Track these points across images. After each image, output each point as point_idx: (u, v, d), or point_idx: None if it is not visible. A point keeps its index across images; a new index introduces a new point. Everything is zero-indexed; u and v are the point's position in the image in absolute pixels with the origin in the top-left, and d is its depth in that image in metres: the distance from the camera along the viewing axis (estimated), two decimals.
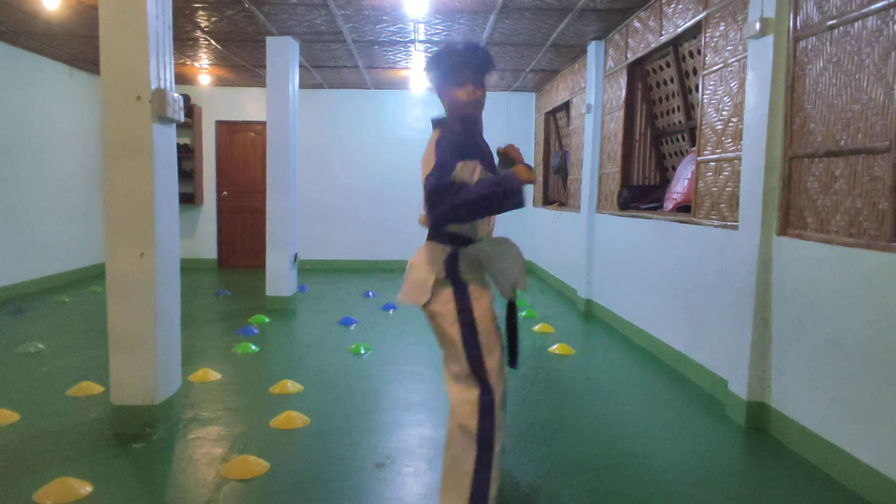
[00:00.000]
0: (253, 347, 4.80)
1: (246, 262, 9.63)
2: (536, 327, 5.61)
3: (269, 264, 6.41)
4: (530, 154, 9.79)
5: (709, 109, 4.07)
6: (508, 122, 9.68)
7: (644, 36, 5.19)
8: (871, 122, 2.62)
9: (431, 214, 2.04)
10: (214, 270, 9.36)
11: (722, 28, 3.91)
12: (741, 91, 3.64)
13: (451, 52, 2.24)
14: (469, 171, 2.07)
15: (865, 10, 2.65)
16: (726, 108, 3.85)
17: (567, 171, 8.13)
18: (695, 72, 4.81)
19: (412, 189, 9.12)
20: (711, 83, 4.05)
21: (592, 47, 6.29)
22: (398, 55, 7.15)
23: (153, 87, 3.03)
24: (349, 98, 9.52)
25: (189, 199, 9.25)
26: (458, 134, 2.16)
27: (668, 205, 4.86)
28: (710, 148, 4.05)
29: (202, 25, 5.90)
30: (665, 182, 5.71)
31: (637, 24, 5.34)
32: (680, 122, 5.26)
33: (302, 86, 8.79)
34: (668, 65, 5.18)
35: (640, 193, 5.62)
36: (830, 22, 2.86)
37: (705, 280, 4.03)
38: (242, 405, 3.61)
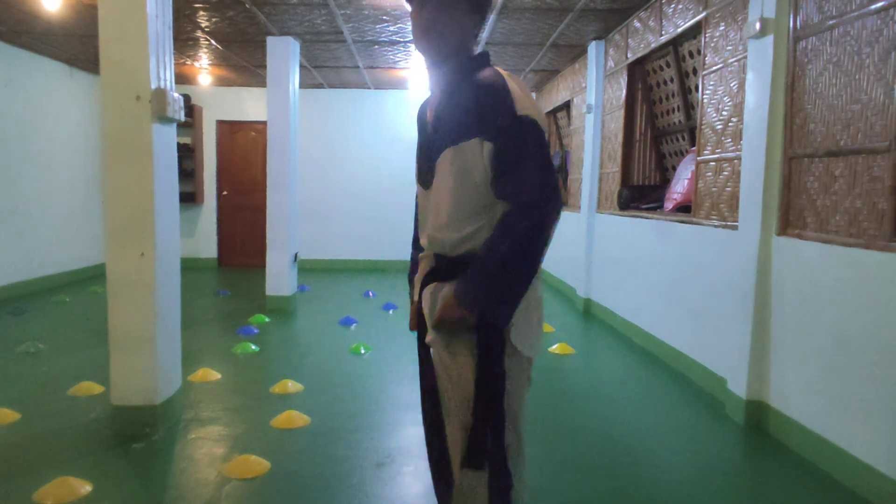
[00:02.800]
0: (253, 347, 4.80)
1: (246, 262, 9.63)
2: None
3: (269, 264, 6.41)
4: None
5: (709, 109, 4.07)
6: None
7: (644, 36, 5.19)
8: (870, 122, 2.63)
9: None
10: (214, 270, 9.36)
11: (722, 28, 3.91)
12: (741, 91, 3.64)
13: None
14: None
15: (865, 10, 2.65)
16: (726, 108, 3.85)
17: (567, 170, 8.13)
18: (695, 72, 4.81)
19: (411, 188, 9.12)
20: (711, 83, 4.05)
21: (593, 47, 6.29)
22: (398, 55, 7.15)
23: (153, 86, 3.03)
24: (349, 98, 9.53)
25: (190, 197, 9.25)
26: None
27: (668, 205, 4.86)
28: (709, 148, 4.05)
29: (202, 25, 5.90)
30: (665, 182, 5.71)
31: (637, 24, 5.34)
32: (680, 122, 5.27)
33: (302, 86, 8.78)
34: (668, 65, 5.18)
35: (640, 193, 5.62)
36: (830, 22, 2.86)
37: (705, 280, 4.03)
38: (243, 405, 3.62)
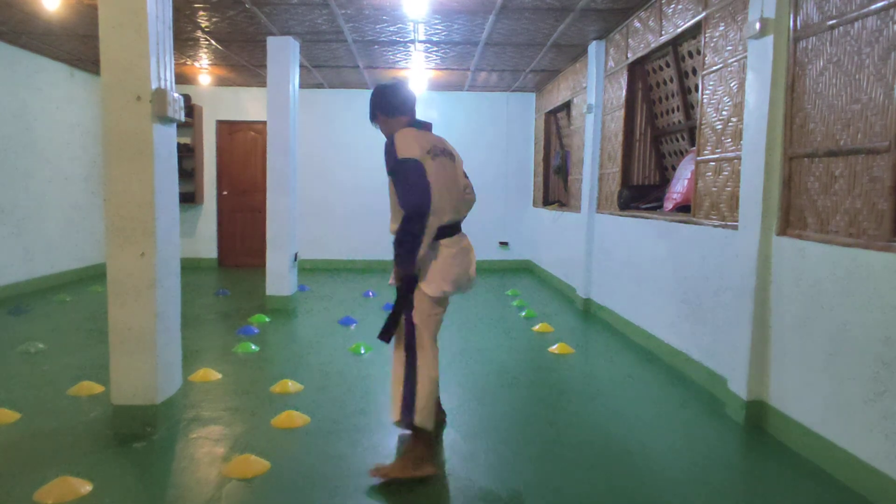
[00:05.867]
0: (253, 347, 4.80)
1: (246, 262, 9.64)
2: (536, 327, 5.61)
3: (270, 264, 6.41)
4: (530, 154, 9.80)
5: (708, 109, 4.08)
6: (508, 122, 9.70)
7: (644, 36, 5.19)
8: (870, 122, 2.63)
9: None
10: (214, 270, 9.36)
11: (722, 28, 3.91)
12: (741, 91, 3.65)
13: None
14: None
15: (865, 10, 2.65)
16: (726, 108, 3.85)
17: (568, 171, 8.13)
18: (694, 72, 4.81)
19: None
20: (711, 83, 4.05)
21: (593, 47, 6.29)
22: (398, 55, 7.15)
23: (153, 86, 3.03)
24: (349, 98, 9.53)
25: (190, 198, 9.26)
26: None
27: (668, 205, 4.87)
28: (709, 148, 4.05)
29: (203, 25, 5.90)
30: (665, 182, 5.71)
31: (637, 24, 5.34)
32: (680, 121, 5.27)
33: (302, 86, 8.79)
34: (667, 65, 5.18)
35: (640, 193, 5.62)
36: (830, 22, 2.87)
37: (705, 279, 4.03)
38: (243, 405, 3.62)
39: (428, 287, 2.78)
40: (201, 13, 5.50)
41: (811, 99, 3.01)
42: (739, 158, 3.61)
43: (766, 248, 3.28)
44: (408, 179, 2.68)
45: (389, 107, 3.01)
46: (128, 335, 3.10)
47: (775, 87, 3.22)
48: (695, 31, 4.45)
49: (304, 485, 2.65)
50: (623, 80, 5.73)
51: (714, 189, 3.98)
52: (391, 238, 2.77)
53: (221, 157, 9.63)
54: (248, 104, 9.47)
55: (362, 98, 9.46)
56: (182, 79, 8.75)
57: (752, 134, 3.38)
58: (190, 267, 8.85)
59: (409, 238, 2.64)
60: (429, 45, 6.69)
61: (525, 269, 9.79)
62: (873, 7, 2.61)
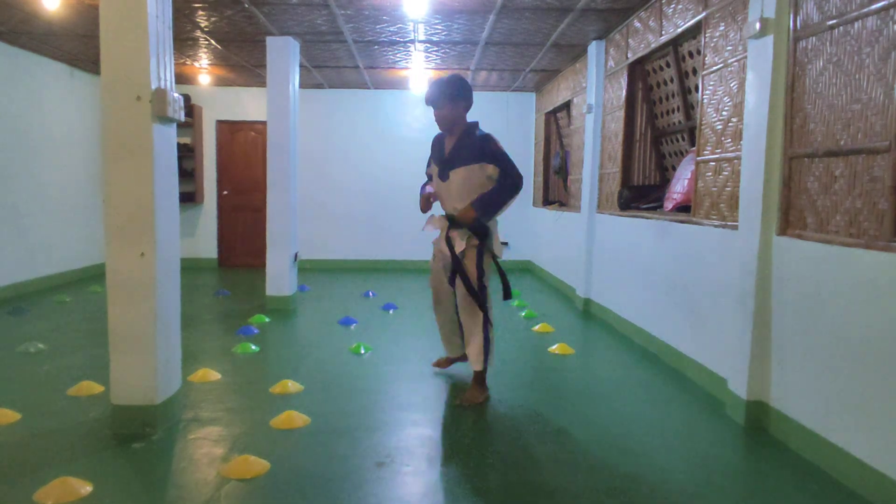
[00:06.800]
0: (253, 347, 4.80)
1: (246, 262, 9.64)
2: (536, 327, 5.61)
3: (270, 264, 6.41)
4: (530, 154, 9.80)
5: (708, 109, 4.07)
6: (508, 122, 9.69)
7: (644, 36, 5.19)
8: (870, 122, 2.63)
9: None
10: (214, 270, 9.36)
11: (722, 28, 3.91)
12: (741, 91, 3.64)
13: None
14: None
15: (865, 10, 2.65)
16: (726, 108, 3.85)
17: (568, 171, 8.13)
18: (694, 72, 4.81)
19: (411, 188, 9.13)
20: (711, 83, 4.05)
21: (593, 47, 6.29)
22: (398, 55, 7.15)
23: (153, 86, 3.03)
24: (349, 98, 9.53)
25: (190, 197, 9.26)
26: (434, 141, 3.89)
27: (668, 205, 4.86)
28: (709, 148, 4.05)
29: (202, 25, 5.90)
30: (665, 182, 5.71)
31: (637, 24, 5.34)
32: (680, 122, 5.27)
33: (302, 86, 8.79)
34: (667, 65, 5.18)
35: (640, 193, 5.62)
36: (830, 22, 2.86)
37: (705, 279, 4.03)
38: (243, 405, 3.62)
39: (498, 250, 3.67)
40: (200, 13, 5.50)
41: (811, 99, 3.01)
42: (739, 158, 3.61)
43: (766, 247, 3.28)
44: (512, 164, 3.54)
45: (471, 101, 3.64)
46: (127, 335, 3.10)
47: (775, 87, 3.22)
48: (695, 31, 4.45)
49: (304, 485, 2.64)
50: (623, 80, 5.73)
51: (714, 189, 3.98)
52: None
53: (221, 157, 9.63)
54: (248, 104, 9.47)
55: (362, 98, 9.50)
56: (182, 79, 8.75)
57: (752, 134, 3.38)
58: (190, 267, 8.85)
59: (508, 198, 3.49)
60: (429, 45, 6.69)
61: (525, 269, 9.79)
62: (873, 7, 2.60)
